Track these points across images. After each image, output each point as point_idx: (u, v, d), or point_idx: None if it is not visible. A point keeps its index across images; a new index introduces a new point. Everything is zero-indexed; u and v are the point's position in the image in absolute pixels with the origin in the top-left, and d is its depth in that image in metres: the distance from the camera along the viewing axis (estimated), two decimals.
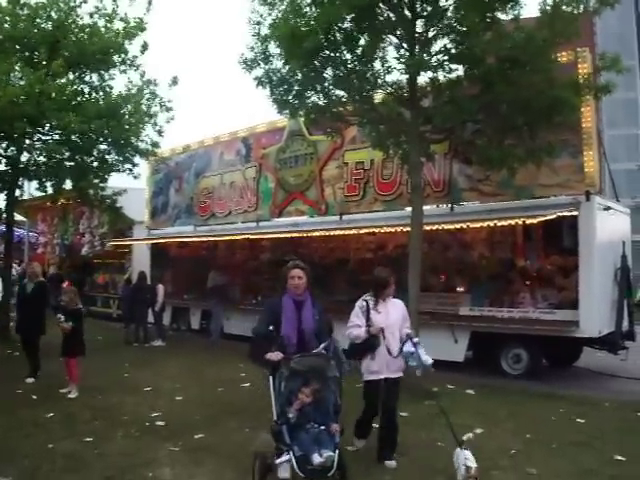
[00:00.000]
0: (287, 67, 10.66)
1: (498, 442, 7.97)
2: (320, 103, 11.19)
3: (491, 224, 12.66)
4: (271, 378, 5.98)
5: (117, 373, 12.61)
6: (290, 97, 10.99)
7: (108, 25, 15.86)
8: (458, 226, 13.22)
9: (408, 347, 7.09)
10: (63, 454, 7.31)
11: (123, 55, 15.79)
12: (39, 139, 16.38)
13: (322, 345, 6.17)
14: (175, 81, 16.06)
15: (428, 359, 7.13)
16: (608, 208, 13.10)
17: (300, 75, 10.53)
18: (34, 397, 10.35)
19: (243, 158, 18.98)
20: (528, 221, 12.18)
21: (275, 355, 6.00)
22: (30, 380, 11.42)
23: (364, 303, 7.40)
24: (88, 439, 7.87)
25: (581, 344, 13.24)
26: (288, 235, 16.53)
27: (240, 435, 8.06)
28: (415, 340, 7.19)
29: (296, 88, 10.87)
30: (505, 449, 7.71)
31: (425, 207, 14.09)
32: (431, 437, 8.13)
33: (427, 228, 12.52)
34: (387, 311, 7.37)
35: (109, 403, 9.95)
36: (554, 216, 11.77)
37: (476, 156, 11.60)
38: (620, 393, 11.35)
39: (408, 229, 13.29)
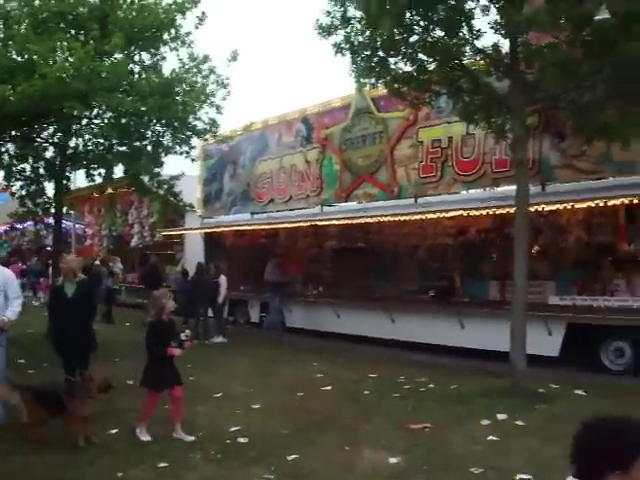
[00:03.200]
0: (370, 30, 9.40)
1: None
2: (407, 69, 9.94)
3: (592, 204, 11.41)
4: None
5: (181, 376, 11.44)
6: (373, 64, 9.73)
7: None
8: (552, 207, 11.92)
9: None
10: None
11: (175, 31, 14.60)
12: (88, 123, 15.36)
13: None
14: (234, 57, 14.84)
15: None
16: None
17: (386, 37, 9.23)
18: None
19: (304, 139, 17.78)
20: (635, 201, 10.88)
21: None
22: None
23: None
24: (162, 464, 6.56)
25: None
26: (357, 221, 15.39)
27: (341, 455, 6.85)
28: None
29: (380, 53, 9.62)
30: None
31: (511, 187, 13.07)
32: (565, 453, 6.82)
33: (512, 210, 11.27)
34: None
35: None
36: None
37: (588, 127, 10.20)
38: None
39: (498, 211, 12.57)
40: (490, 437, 7.43)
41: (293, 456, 6.78)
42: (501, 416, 8.31)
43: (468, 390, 9.96)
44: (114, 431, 7.81)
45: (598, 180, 12.16)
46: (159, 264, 20.92)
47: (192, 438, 7.39)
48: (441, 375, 11.35)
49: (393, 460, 6.68)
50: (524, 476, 6.13)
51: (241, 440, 7.41)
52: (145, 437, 7.40)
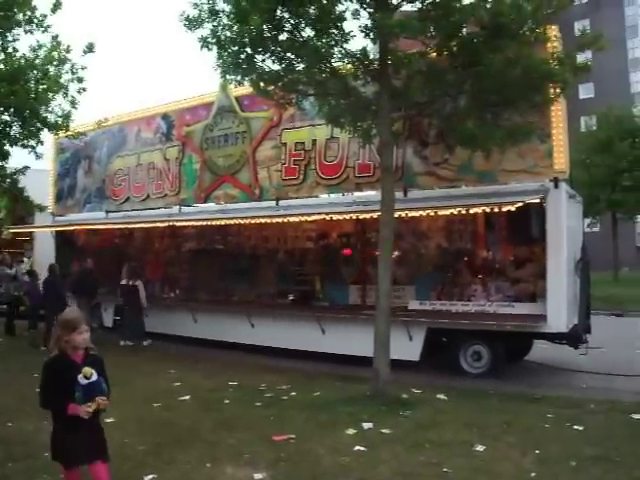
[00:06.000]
0: (238, 25, 9.01)
1: (511, 463, 6.77)
2: (275, 68, 9.64)
3: (455, 212, 11.72)
4: None
5: (26, 388, 10.37)
6: (240, 60, 9.35)
7: None
8: (416, 214, 12.04)
9: None
10: None
11: (29, 13, 13.53)
12: None
13: None
14: (91, 48, 13.98)
15: None
16: (574, 196, 12.36)
17: (255, 33, 8.88)
18: None
19: (163, 136, 17.03)
20: (495, 209, 11.23)
21: None
22: None
23: None
24: None
25: (539, 338, 12.32)
26: (216, 222, 14.96)
27: (202, 473, 6.45)
28: None
29: (248, 50, 9.26)
30: (523, 471, 6.51)
31: (373, 192, 13.13)
32: (432, 461, 6.80)
33: (375, 216, 11.31)
34: None
35: (23, 432, 7.82)
36: (521, 204, 10.78)
37: (455, 135, 10.32)
38: (588, 390, 10.70)
39: (362, 216, 12.75)
40: (357, 447, 7.28)
41: (150, 476, 6.30)
42: (366, 425, 8.18)
43: (331, 397, 9.81)
44: None
45: (458, 188, 12.41)
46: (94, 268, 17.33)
47: None
48: (302, 382, 11.15)
49: (257, 476, 6.38)
50: None
51: None
52: None
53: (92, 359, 4.87)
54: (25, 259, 21.02)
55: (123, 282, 16.02)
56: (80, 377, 4.63)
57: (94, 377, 4.68)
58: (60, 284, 15.82)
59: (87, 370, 4.67)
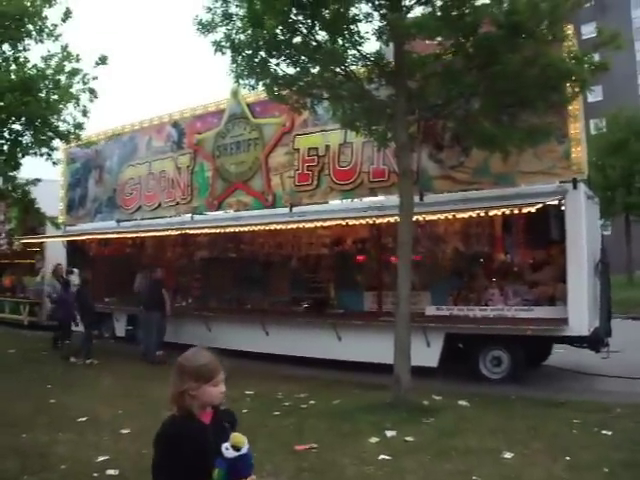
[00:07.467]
0: (252, 28, 8.89)
1: (542, 470, 6.58)
2: (289, 72, 9.52)
3: (473, 214, 11.52)
4: None
5: (40, 399, 10.32)
6: (255, 64, 9.23)
7: None
8: (434, 217, 11.91)
9: None
10: None
11: (40, 23, 13.46)
12: None
13: None
14: (103, 60, 13.90)
15: None
16: (592, 197, 12.17)
17: (269, 37, 8.77)
18: None
19: (174, 144, 16.95)
20: (515, 211, 11.08)
21: None
22: None
23: None
24: None
25: (559, 342, 12.15)
26: (229, 230, 14.72)
27: None
28: None
29: (262, 54, 9.14)
30: (555, 478, 6.33)
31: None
32: (459, 469, 6.61)
33: (392, 220, 11.21)
34: None
35: (38, 444, 7.66)
36: (541, 205, 10.60)
37: (473, 136, 10.16)
38: (611, 394, 10.41)
39: (378, 221, 12.55)
40: (381, 456, 7.10)
41: None
42: (390, 433, 8.01)
43: (351, 405, 9.63)
44: None
45: (475, 191, 12.23)
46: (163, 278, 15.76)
47: None
48: (321, 390, 10.97)
49: None
50: None
51: (110, 472, 6.62)
52: None
53: (224, 416, 3.18)
54: (75, 269, 19.10)
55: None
56: (226, 447, 2.97)
57: (245, 448, 3.00)
58: (88, 294, 15.69)
59: (239, 438, 3.00)
